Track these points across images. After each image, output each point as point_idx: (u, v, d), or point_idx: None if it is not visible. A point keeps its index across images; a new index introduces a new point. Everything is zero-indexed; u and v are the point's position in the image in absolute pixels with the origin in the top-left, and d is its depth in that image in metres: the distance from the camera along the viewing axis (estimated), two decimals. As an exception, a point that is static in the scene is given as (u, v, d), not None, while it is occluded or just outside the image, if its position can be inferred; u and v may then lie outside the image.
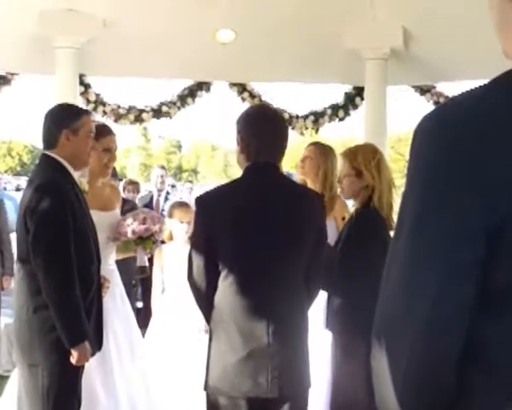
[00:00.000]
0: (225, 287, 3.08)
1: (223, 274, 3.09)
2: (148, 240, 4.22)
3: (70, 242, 3.34)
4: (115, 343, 3.94)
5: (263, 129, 3.16)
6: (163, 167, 10.27)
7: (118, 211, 4.31)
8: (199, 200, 3.28)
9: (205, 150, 68.72)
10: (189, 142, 72.86)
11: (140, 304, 8.09)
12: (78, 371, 3.43)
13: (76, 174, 3.60)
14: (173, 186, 11.59)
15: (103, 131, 4.04)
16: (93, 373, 3.70)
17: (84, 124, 3.58)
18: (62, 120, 3.55)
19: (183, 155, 72.63)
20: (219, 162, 63.26)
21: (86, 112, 3.86)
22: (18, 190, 18.50)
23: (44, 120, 3.60)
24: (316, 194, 3.60)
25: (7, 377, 6.88)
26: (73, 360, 3.32)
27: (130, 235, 4.12)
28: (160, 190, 9.23)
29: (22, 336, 3.42)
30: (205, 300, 3.20)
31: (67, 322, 3.31)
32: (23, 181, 28.64)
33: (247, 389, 3.03)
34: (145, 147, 60.23)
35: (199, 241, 3.18)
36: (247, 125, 3.21)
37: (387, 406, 1.27)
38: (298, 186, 3.79)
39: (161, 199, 9.17)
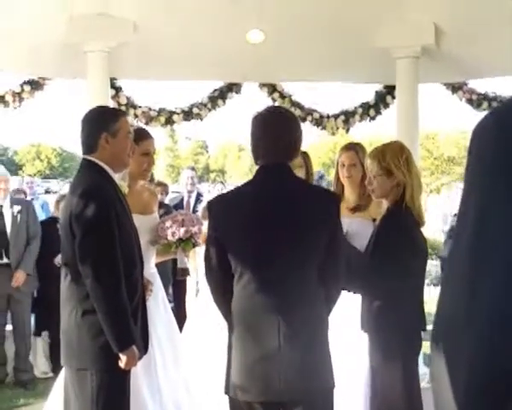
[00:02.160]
0: (238, 290, 3.10)
1: (236, 277, 3.10)
2: (187, 241, 4.24)
3: (116, 247, 3.37)
4: (159, 347, 3.97)
5: (268, 131, 3.18)
6: (193, 169, 10.30)
7: (156, 215, 4.34)
8: (210, 204, 3.31)
9: (232, 151, 68.76)
10: (215, 142, 73.04)
11: (171, 305, 8.10)
12: (126, 374, 3.46)
13: (116, 177, 3.62)
14: (198, 186, 11.61)
15: (142, 135, 4.06)
16: (139, 377, 3.72)
17: (122, 125, 3.60)
18: (100, 123, 3.57)
19: (210, 155, 72.79)
20: (246, 163, 63.25)
21: (123, 113, 3.88)
22: (47, 192, 18.65)
23: (82, 125, 3.62)
24: (329, 192, 3.59)
25: (44, 380, 7.01)
26: (122, 363, 3.35)
27: (170, 237, 4.15)
28: (190, 192, 9.25)
29: (71, 340, 3.46)
30: (222, 303, 3.22)
31: (116, 327, 3.34)
32: (52, 184, 28.94)
33: (260, 393, 3.04)
34: (172, 148, 60.53)
35: (212, 245, 3.20)
36: (255, 127, 3.23)
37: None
38: (309, 186, 3.79)
39: (191, 200, 9.19)
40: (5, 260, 6.84)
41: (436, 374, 1.27)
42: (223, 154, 70.41)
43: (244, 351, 3.05)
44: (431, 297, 3.87)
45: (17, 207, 7.04)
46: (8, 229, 6.89)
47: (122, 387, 3.47)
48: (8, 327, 7.13)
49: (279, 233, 3.05)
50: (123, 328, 3.37)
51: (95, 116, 3.68)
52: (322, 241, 3.09)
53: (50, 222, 7.48)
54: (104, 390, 3.40)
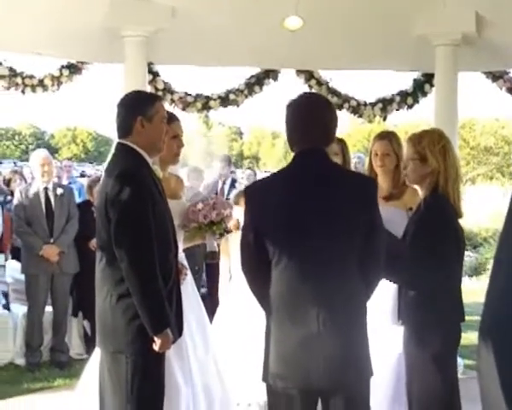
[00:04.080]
0: (276, 276, 3.09)
1: (273, 263, 3.09)
2: (219, 224, 4.24)
3: (152, 230, 3.38)
4: (189, 331, 3.98)
5: (304, 117, 3.18)
6: (227, 155, 10.34)
7: (184, 200, 4.33)
8: (248, 190, 3.31)
9: (266, 138, 68.69)
10: (249, 129, 72.99)
11: (203, 290, 8.14)
12: (160, 357, 3.48)
13: (150, 162, 3.63)
14: (232, 172, 11.63)
15: (170, 118, 4.03)
16: (172, 360, 3.74)
17: (158, 110, 3.60)
18: (136, 107, 3.57)
19: (244, 141, 72.82)
20: (280, 150, 63.16)
21: (159, 98, 3.88)
22: (82, 176, 18.82)
23: (118, 109, 3.62)
24: (367, 178, 3.56)
25: (79, 360, 7.10)
26: (156, 347, 3.37)
27: (201, 220, 4.15)
28: (224, 178, 9.28)
29: (106, 323, 3.48)
30: (259, 289, 3.21)
31: (151, 310, 3.36)
32: (87, 168, 29.20)
33: (300, 380, 3.03)
34: (206, 134, 60.67)
35: (249, 231, 3.20)
36: (290, 113, 3.23)
37: (496, 406, 1.22)
38: (345, 171, 3.77)
39: (226, 187, 9.22)
40: (52, 240, 7.02)
41: (484, 368, 1.25)
42: (257, 141, 70.37)
43: (283, 338, 3.05)
44: (466, 288, 3.82)
45: (60, 190, 7.19)
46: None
47: (156, 370, 3.50)
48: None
49: (317, 219, 3.04)
50: (158, 312, 3.38)
51: (131, 100, 3.68)
52: (361, 226, 3.07)
53: (86, 205, 7.57)
54: (139, 373, 3.42)
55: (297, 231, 3.05)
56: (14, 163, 26.56)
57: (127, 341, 3.41)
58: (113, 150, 3.66)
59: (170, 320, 3.45)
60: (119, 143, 3.60)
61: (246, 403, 5.45)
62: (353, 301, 3.08)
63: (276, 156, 61.28)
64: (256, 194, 3.23)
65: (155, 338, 3.36)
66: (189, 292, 4.18)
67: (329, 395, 3.06)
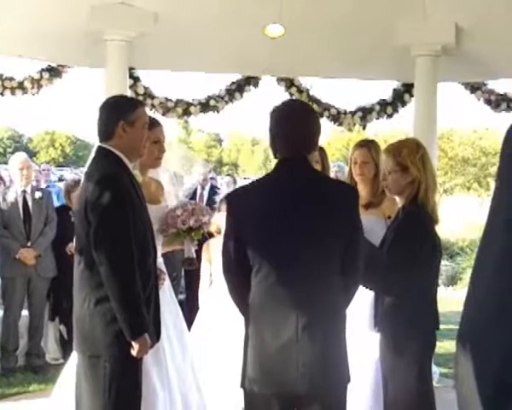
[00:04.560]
0: (256, 283, 3.10)
1: (254, 270, 3.11)
2: (197, 231, 4.24)
3: (131, 235, 3.38)
4: (167, 336, 3.98)
5: (287, 124, 3.19)
6: (207, 161, 10.33)
7: (164, 204, 4.33)
8: (229, 197, 3.32)
9: (245, 144, 68.77)
10: (228, 135, 73.02)
11: (182, 296, 8.13)
12: (138, 362, 3.48)
13: (130, 166, 3.63)
14: (212, 178, 11.62)
15: (152, 123, 4.04)
16: (149, 365, 3.73)
17: (140, 115, 3.61)
18: (118, 111, 3.58)
19: (223, 148, 72.84)
20: (259, 156, 63.26)
21: (141, 103, 3.89)
22: (61, 180, 18.67)
23: (100, 113, 3.62)
24: (348, 186, 3.58)
25: (55, 365, 7.04)
26: (134, 351, 3.36)
27: (179, 225, 4.15)
28: (203, 185, 9.28)
29: (84, 327, 3.47)
30: (239, 297, 3.23)
31: (129, 315, 3.35)
32: (65, 172, 29.01)
33: (278, 385, 3.04)
34: (186, 140, 60.61)
35: (230, 237, 3.21)
36: (274, 120, 3.24)
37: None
38: (327, 179, 3.79)
39: (205, 192, 9.22)
40: (29, 244, 6.99)
41: (461, 374, 1.27)
42: (236, 147, 70.42)
43: (262, 343, 3.06)
44: (442, 297, 3.86)
45: (38, 194, 7.16)
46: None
47: (134, 374, 3.50)
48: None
49: (299, 226, 3.05)
50: (136, 316, 3.38)
51: (113, 104, 3.69)
52: (342, 234, 3.09)
53: (63, 210, 7.54)
54: (116, 377, 3.42)
55: (278, 238, 3.06)
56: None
57: (105, 345, 3.41)
58: (93, 154, 3.65)
59: (148, 325, 3.44)
60: (99, 147, 3.60)
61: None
62: (333, 308, 3.10)
63: (255, 163, 61.39)
64: (238, 201, 3.24)
65: (133, 343, 3.36)
66: (167, 298, 4.18)
67: (307, 400, 3.08)
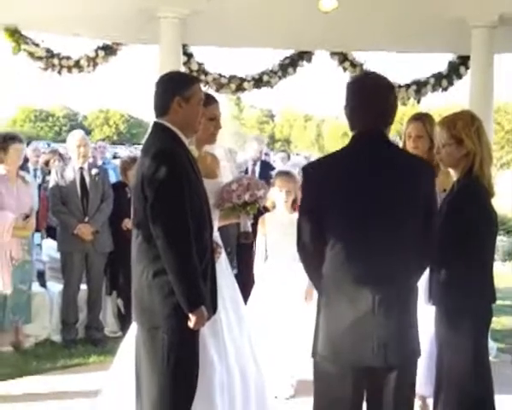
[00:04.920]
0: (332, 256, 3.11)
1: (330, 243, 3.11)
2: (252, 205, 4.27)
3: (187, 209, 3.41)
4: (224, 309, 4.02)
5: (366, 97, 3.16)
6: (261, 136, 10.35)
7: (220, 179, 4.37)
8: (306, 170, 3.31)
9: (297, 120, 68.48)
10: (280, 111, 72.81)
11: (234, 271, 8.19)
12: (195, 334, 3.53)
13: (186, 141, 3.67)
14: (266, 154, 11.63)
15: (208, 100, 4.07)
16: (206, 337, 3.79)
17: (196, 92, 3.63)
18: (174, 87, 3.60)
19: (275, 124, 72.70)
20: (312, 132, 62.97)
21: (197, 80, 3.91)
22: (115, 157, 18.93)
23: (156, 88, 3.65)
24: (425, 162, 3.54)
25: (113, 338, 7.21)
26: (191, 323, 3.42)
27: (235, 200, 4.18)
28: (255, 160, 9.31)
29: (143, 299, 3.53)
30: (313, 269, 3.24)
31: (186, 288, 3.40)
32: (120, 149, 29.40)
33: (353, 358, 3.07)
34: (238, 116, 60.66)
35: (306, 210, 3.22)
36: (352, 93, 3.21)
37: None
38: (405, 154, 3.75)
39: (257, 168, 9.25)
40: (87, 220, 7.15)
41: None
42: (288, 123, 70.19)
43: (336, 316, 3.09)
44: (498, 273, 3.83)
45: (95, 170, 7.30)
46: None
47: (192, 345, 3.56)
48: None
49: (376, 201, 3.06)
50: (193, 289, 3.42)
51: (169, 80, 3.71)
52: (418, 209, 3.10)
53: (120, 186, 7.67)
54: (174, 348, 3.48)
55: (355, 213, 3.08)
56: (48, 144, 26.79)
57: (163, 317, 3.47)
58: (149, 130, 3.70)
59: (204, 298, 3.49)
60: (155, 123, 3.64)
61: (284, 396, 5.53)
62: (407, 284, 3.13)
63: (307, 139, 61.14)
64: (314, 173, 3.23)
65: (190, 315, 3.41)
66: (224, 271, 4.22)
67: (380, 373, 3.12)
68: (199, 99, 3.64)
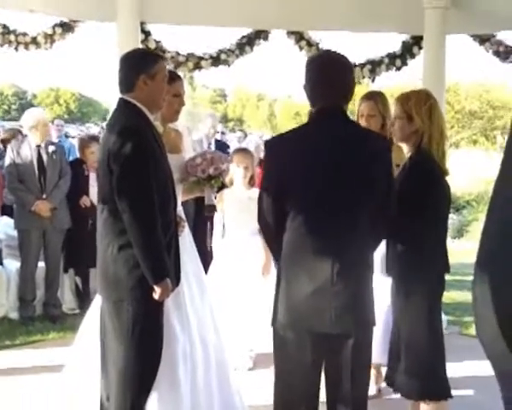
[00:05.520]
0: (293, 228, 3.21)
1: (291, 216, 3.21)
2: (216, 179, 4.36)
3: (152, 184, 3.48)
4: (186, 281, 4.09)
5: (327, 74, 3.26)
6: (214, 115, 10.41)
7: (183, 154, 4.44)
8: (268, 143, 3.41)
9: (250, 99, 68.42)
10: (233, 91, 72.63)
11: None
12: (160, 305, 3.62)
13: (151, 118, 3.74)
14: (223, 133, 11.70)
15: (173, 77, 4.13)
16: (170, 309, 3.86)
17: (161, 69, 3.69)
18: (140, 64, 3.65)
19: (228, 104, 72.54)
20: (264, 112, 63.01)
21: (162, 57, 3.97)
22: (66, 136, 18.78)
23: (121, 65, 3.69)
24: (382, 136, 3.66)
25: (71, 315, 7.26)
26: (156, 295, 3.50)
27: (199, 174, 4.26)
28: (209, 137, 9.37)
29: (108, 272, 3.60)
30: (274, 241, 3.36)
31: (151, 260, 3.49)
32: (70, 129, 29.07)
33: (312, 325, 3.19)
34: (191, 95, 60.37)
35: (268, 183, 3.32)
36: (312, 70, 3.30)
37: (487, 325, 1.38)
38: (363, 129, 3.87)
39: (212, 146, 9.32)
40: (44, 196, 7.14)
41: (479, 293, 1.41)
42: (241, 103, 70.11)
43: (295, 286, 3.19)
44: (450, 250, 3.98)
45: (52, 148, 7.28)
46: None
47: (156, 317, 3.64)
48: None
49: (334, 175, 3.17)
50: (158, 261, 3.51)
51: (135, 57, 3.77)
52: (376, 184, 3.22)
53: (77, 163, 7.68)
54: (140, 320, 3.56)
55: (314, 187, 3.18)
56: (-3, 123, 26.29)
57: (128, 289, 3.54)
58: (115, 106, 3.75)
59: (169, 270, 3.58)
60: (120, 99, 3.69)
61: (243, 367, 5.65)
62: (364, 255, 3.26)
63: (260, 118, 61.13)
64: (276, 148, 3.32)
65: (155, 287, 3.49)
66: (187, 244, 4.29)
67: (337, 340, 3.24)
68: (163, 76, 3.71)
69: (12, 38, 8.41)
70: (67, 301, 7.66)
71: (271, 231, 3.35)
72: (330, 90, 3.23)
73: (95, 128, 29.29)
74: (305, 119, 3.57)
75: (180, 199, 4.26)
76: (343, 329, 3.19)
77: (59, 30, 8.57)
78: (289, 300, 3.22)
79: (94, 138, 7.93)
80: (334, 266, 3.13)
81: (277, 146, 3.36)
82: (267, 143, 3.42)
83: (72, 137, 18.71)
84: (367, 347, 3.35)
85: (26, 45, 8.50)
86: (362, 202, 3.21)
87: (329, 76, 3.25)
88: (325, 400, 3.39)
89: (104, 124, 21.38)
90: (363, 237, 3.23)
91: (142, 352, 3.60)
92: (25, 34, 8.50)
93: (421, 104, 3.78)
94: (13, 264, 7.49)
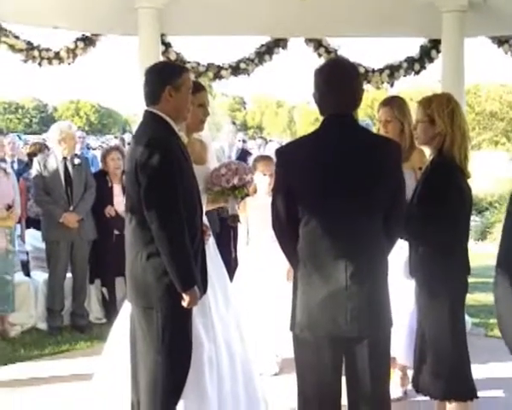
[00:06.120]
0: (306, 233, 3.28)
1: (303, 221, 3.27)
2: (240, 189, 4.42)
3: (179, 194, 3.56)
4: (211, 290, 4.14)
5: (336, 82, 3.30)
6: (233, 123, 10.51)
7: (208, 165, 4.51)
8: (279, 151, 3.47)
9: (269, 106, 68.51)
10: (252, 98, 72.80)
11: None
12: (188, 313, 3.69)
13: (176, 129, 3.81)
14: (244, 141, 11.76)
15: (197, 87, 4.20)
16: (195, 317, 3.91)
17: (186, 80, 3.77)
18: (165, 77, 3.73)
19: (247, 111, 72.69)
20: (284, 119, 63.09)
21: (186, 69, 4.04)
22: (87, 148, 18.96)
23: (146, 78, 3.77)
24: (392, 141, 3.71)
25: (98, 325, 7.36)
26: (185, 303, 3.58)
27: (224, 184, 4.33)
28: (231, 146, 9.45)
29: (137, 280, 3.68)
30: (288, 246, 3.40)
31: (179, 269, 3.56)
32: (91, 140, 29.29)
33: (328, 329, 3.23)
34: (211, 104, 60.44)
35: (280, 191, 3.37)
36: (320, 78, 3.36)
37: (509, 324, 1.43)
38: (373, 135, 3.91)
39: (233, 154, 9.40)
40: (71, 208, 7.28)
41: (500, 294, 1.46)
42: (260, 110, 70.22)
43: (311, 291, 3.25)
44: (472, 252, 4.01)
45: (77, 160, 7.40)
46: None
47: (185, 324, 3.72)
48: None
49: (346, 179, 3.22)
50: (186, 269, 3.58)
51: (160, 69, 3.84)
52: (387, 189, 3.27)
53: (100, 175, 7.79)
54: (169, 326, 3.64)
55: (326, 191, 3.23)
56: (19, 137, 26.59)
57: (157, 296, 3.62)
58: (141, 119, 3.83)
59: (197, 278, 3.66)
60: (147, 111, 3.77)
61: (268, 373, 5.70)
62: (378, 257, 3.30)
63: (279, 125, 61.22)
64: (287, 155, 3.39)
65: (184, 295, 3.57)
66: (212, 252, 4.36)
67: (355, 343, 3.28)
68: (188, 87, 3.78)
69: (36, 53, 8.54)
70: (94, 310, 7.76)
71: (285, 236, 3.41)
72: (338, 99, 3.30)
73: (114, 141, 29.55)
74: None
75: (205, 209, 4.34)
76: (359, 331, 3.24)
77: (81, 44, 8.68)
78: (306, 304, 3.28)
79: (115, 148, 8.12)
80: (348, 268, 3.19)
81: (288, 153, 3.42)
82: (278, 151, 3.49)
83: (94, 149, 18.84)
84: (385, 347, 3.39)
85: (50, 60, 8.62)
86: (373, 205, 3.26)
87: (337, 85, 3.30)
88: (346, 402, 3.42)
89: (124, 135, 21.53)
90: (377, 239, 3.28)
91: (171, 358, 3.67)
92: (48, 50, 8.61)
93: (443, 107, 3.82)
94: (40, 275, 7.62)
